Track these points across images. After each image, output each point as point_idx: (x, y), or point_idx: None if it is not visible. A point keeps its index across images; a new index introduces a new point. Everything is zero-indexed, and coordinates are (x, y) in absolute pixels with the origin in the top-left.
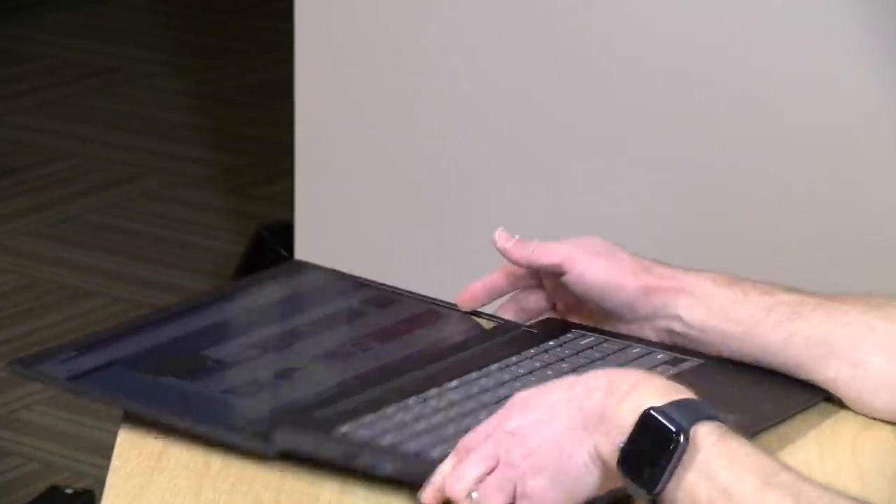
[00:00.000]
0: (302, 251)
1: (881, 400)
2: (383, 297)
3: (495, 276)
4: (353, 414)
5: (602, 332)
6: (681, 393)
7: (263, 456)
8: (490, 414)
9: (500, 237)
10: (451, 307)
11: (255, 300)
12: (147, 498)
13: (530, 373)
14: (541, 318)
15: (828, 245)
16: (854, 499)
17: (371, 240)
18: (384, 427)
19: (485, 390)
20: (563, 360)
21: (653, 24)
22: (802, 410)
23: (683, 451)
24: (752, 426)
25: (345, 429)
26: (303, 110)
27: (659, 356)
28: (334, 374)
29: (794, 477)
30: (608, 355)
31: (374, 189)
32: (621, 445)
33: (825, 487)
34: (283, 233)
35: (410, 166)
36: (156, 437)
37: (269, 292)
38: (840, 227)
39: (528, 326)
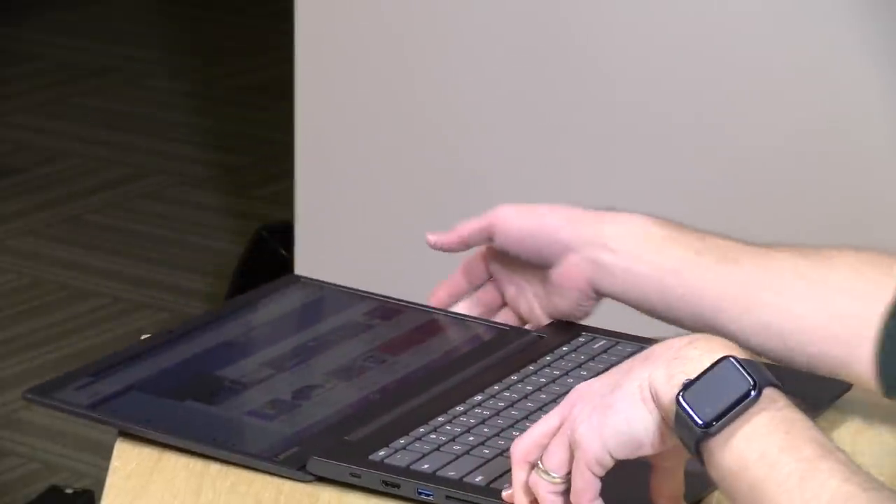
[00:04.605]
0: (302, 251)
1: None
2: (385, 308)
3: (455, 277)
4: (385, 438)
5: (608, 333)
6: (744, 354)
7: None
8: (521, 431)
9: (430, 238)
10: (455, 315)
11: (257, 317)
12: (147, 498)
13: (552, 381)
14: (548, 323)
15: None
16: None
17: (371, 240)
18: (420, 451)
19: (511, 403)
20: (580, 366)
21: (652, 24)
22: (836, 399)
23: (751, 406)
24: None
25: (381, 454)
26: (303, 110)
27: None
28: (354, 390)
29: (847, 458)
30: (625, 358)
31: (374, 189)
32: (685, 381)
33: (874, 478)
34: (283, 233)
35: (410, 166)
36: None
37: (270, 309)
38: (840, 227)
39: (537, 332)
